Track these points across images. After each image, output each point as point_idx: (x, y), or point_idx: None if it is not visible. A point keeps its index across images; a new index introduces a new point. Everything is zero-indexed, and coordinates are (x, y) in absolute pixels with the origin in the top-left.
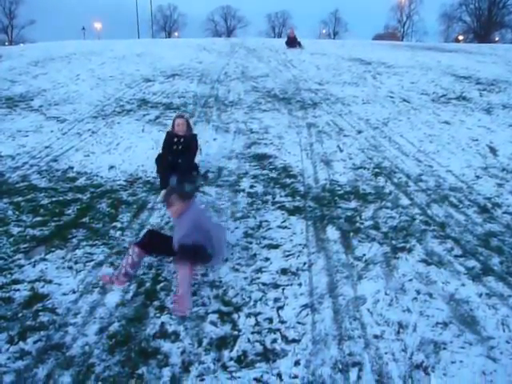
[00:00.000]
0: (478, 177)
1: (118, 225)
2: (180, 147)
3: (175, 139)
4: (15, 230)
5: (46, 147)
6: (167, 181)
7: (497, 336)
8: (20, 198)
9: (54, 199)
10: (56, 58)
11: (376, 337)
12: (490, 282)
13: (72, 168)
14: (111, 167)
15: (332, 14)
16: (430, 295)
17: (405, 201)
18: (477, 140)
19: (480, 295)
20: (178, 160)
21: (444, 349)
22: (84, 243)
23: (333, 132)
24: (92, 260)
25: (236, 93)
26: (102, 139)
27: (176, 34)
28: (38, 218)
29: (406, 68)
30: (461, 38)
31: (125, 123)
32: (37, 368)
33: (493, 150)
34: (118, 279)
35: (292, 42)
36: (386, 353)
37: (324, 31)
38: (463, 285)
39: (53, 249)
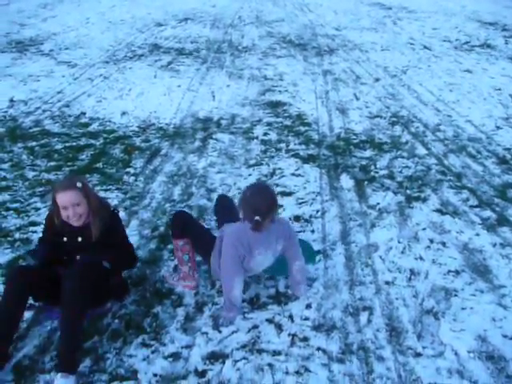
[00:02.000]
0: (498, 127)
1: (132, 170)
2: (76, 255)
3: (65, 238)
4: (30, 174)
5: (58, 92)
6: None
7: (509, 285)
8: (34, 143)
9: (67, 144)
10: (65, 0)
11: (387, 283)
12: (504, 233)
13: (84, 113)
14: (124, 113)
15: None
16: (444, 244)
17: (421, 150)
18: (499, 89)
19: (494, 245)
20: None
21: (455, 296)
22: (98, 188)
23: (349, 80)
24: None
25: (250, 38)
26: (114, 85)
27: None
28: (52, 163)
29: (429, 13)
30: None
31: (137, 68)
32: None
33: None
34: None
35: None
36: (396, 298)
37: None
38: (477, 234)
39: None
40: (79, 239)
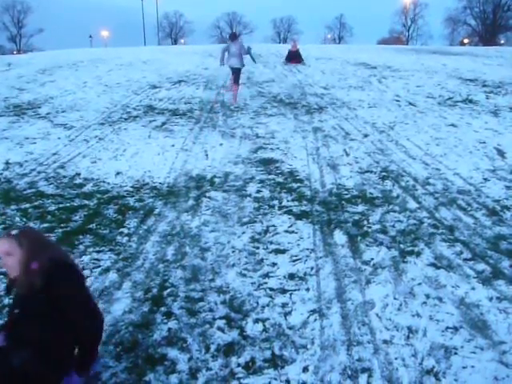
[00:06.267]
0: (486, 179)
1: (125, 231)
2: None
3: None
4: None
5: (54, 154)
6: None
7: (509, 340)
8: (27, 205)
9: (61, 205)
10: (64, 66)
11: (385, 342)
12: (500, 286)
13: (79, 174)
14: (118, 173)
15: (337, 18)
16: (440, 299)
17: (412, 204)
18: (484, 142)
19: (490, 299)
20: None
21: (455, 354)
22: (91, 249)
23: (339, 136)
24: (99, 266)
25: (242, 98)
26: (109, 145)
27: (182, 40)
28: (46, 225)
29: (412, 71)
30: (466, 41)
31: (131, 129)
32: None
33: (500, 153)
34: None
35: (294, 57)
36: (395, 358)
37: (329, 36)
38: (473, 288)
39: None
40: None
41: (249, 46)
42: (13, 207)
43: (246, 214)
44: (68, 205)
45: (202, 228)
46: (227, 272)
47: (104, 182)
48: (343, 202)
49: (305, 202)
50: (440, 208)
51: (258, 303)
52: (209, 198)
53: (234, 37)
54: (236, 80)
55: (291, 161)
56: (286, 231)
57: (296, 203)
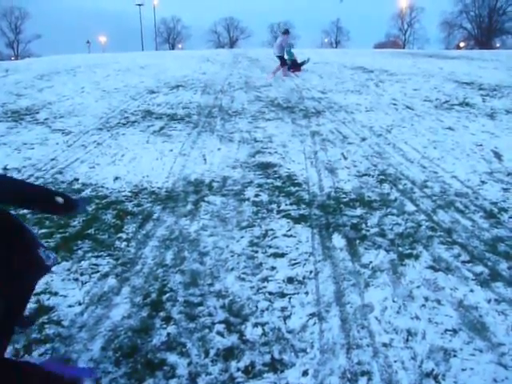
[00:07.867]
0: (483, 182)
1: (124, 236)
2: None
3: None
4: None
5: (52, 159)
6: None
7: (507, 342)
8: (26, 211)
9: None
10: (61, 72)
11: (385, 345)
12: (498, 288)
13: (77, 180)
14: (116, 178)
15: (333, 23)
16: (439, 302)
17: (410, 207)
18: (481, 145)
19: (489, 301)
20: None
21: (454, 356)
22: (89, 254)
23: (337, 140)
24: (98, 271)
25: (240, 102)
26: (107, 151)
27: (180, 45)
28: (44, 230)
29: (409, 75)
30: (462, 44)
31: (129, 134)
32: None
33: (497, 155)
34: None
35: (293, 66)
36: (395, 361)
37: (326, 40)
38: (472, 291)
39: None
40: None
41: (291, 42)
42: (11, 213)
43: (245, 218)
44: None
45: (201, 232)
46: (226, 276)
47: (102, 187)
48: (341, 205)
49: (303, 206)
50: (438, 211)
51: (257, 307)
52: (207, 202)
53: (283, 32)
54: (282, 63)
55: (289, 165)
56: (285, 235)
57: (294, 207)
